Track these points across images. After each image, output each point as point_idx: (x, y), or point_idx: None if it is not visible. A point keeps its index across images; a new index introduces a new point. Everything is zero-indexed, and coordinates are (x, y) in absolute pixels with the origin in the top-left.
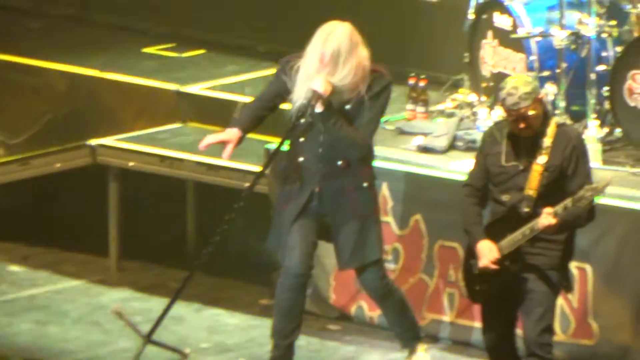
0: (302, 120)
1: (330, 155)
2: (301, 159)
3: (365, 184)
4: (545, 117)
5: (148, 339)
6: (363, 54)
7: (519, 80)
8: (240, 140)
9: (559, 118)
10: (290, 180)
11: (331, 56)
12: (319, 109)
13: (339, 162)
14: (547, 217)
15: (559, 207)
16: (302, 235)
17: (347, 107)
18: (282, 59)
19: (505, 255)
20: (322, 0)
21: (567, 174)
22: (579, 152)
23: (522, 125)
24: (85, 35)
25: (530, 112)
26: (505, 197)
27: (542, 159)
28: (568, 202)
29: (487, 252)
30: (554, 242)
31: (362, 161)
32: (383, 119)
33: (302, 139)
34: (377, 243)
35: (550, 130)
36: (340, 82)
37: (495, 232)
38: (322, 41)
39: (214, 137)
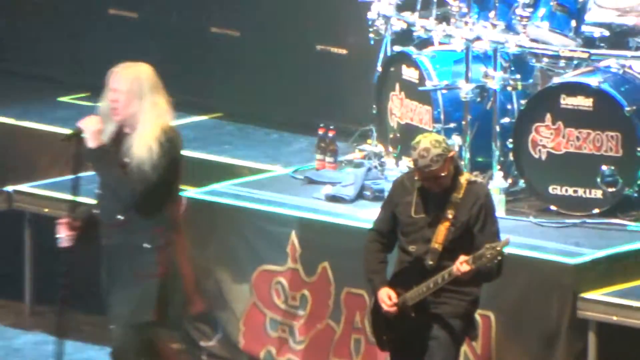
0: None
1: (110, 208)
2: (96, 210)
3: (146, 245)
4: (456, 172)
5: None
6: (162, 102)
7: (430, 142)
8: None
9: (470, 175)
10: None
11: (122, 91)
12: (91, 144)
13: (119, 217)
14: (463, 264)
15: (470, 258)
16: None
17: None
18: None
19: (410, 305)
20: (233, 52)
21: (474, 231)
22: (487, 211)
23: (432, 185)
24: (1, 84)
25: (442, 174)
26: (412, 248)
27: (449, 214)
28: (469, 259)
29: (385, 299)
30: (458, 292)
31: (145, 220)
32: (293, 171)
33: (98, 190)
34: (150, 306)
35: (461, 186)
36: (125, 118)
37: (400, 281)
38: (115, 75)
39: None
